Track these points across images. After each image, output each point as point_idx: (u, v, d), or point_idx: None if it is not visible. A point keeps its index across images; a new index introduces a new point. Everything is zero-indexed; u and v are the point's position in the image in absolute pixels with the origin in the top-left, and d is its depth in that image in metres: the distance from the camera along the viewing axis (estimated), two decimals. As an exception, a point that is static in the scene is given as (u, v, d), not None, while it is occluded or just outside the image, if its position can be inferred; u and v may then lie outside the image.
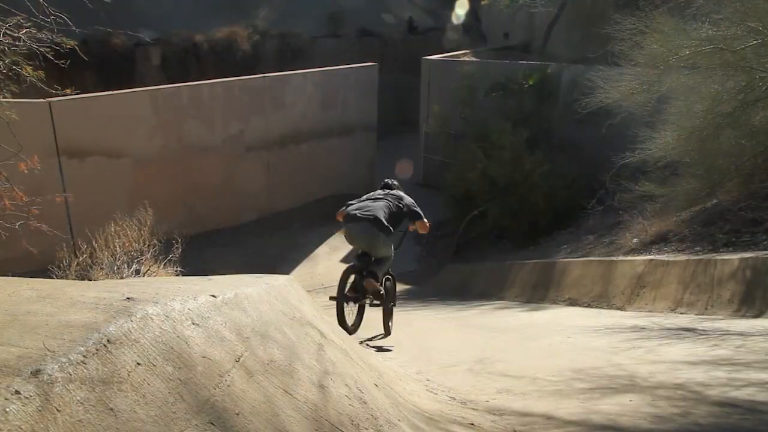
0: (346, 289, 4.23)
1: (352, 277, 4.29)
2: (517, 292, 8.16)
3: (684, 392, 3.02)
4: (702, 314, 5.02)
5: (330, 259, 12.11)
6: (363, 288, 4.30)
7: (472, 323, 6.33)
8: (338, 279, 4.25)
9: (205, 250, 11.26)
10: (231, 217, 12.55)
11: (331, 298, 4.46)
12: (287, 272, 10.89)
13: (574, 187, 10.84)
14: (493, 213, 11.14)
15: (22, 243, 3.67)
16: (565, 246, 8.77)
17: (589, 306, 6.52)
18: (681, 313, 5.23)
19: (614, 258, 6.70)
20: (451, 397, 3.27)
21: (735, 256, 5.05)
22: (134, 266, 4.10)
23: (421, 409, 2.90)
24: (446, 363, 4.25)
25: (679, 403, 2.87)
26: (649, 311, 5.59)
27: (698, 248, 5.80)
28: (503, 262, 9.72)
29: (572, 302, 6.83)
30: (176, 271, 4.74)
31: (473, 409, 3.05)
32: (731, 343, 3.89)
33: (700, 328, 4.51)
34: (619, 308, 6.04)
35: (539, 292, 7.61)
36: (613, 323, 5.24)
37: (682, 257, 5.71)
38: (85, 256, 4.09)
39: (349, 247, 10.35)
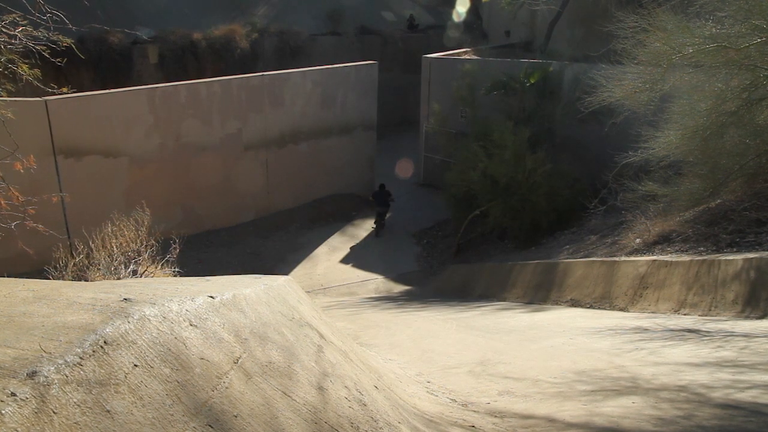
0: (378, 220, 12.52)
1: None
2: (518, 293, 8.14)
3: (687, 394, 2.99)
4: (706, 315, 5.00)
5: (329, 259, 12.08)
6: (383, 220, 12.59)
7: (474, 324, 6.30)
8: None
9: (203, 250, 11.24)
10: (229, 217, 12.53)
11: (374, 225, 13.02)
12: (286, 273, 10.87)
13: (577, 186, 10.82)
14: (495, 213, 11.12)
15: (18, 243, 3.64)
16: (567, 246, 8.75)
17: (591, 307, 6.49)
18: (684, 314, 5.20)
19: (617, 258, 6.67)
20: (451, 399, 3.24)
21: (739, 257, 5.02)
22: (131, 267, 4.07)
23: (421, 411, 2.87)
24: (447, 365, 4.22)
25: (683, 405, 2.84)
26: (652, 312, 5.56)
27: (702, 248, 5.77)
28: (504, 263, 9.69)
29: (574, 303, 6.81)
30: (174, 271, 4.70)
31: (474, 411, 3.02)
32: (735, 345, 3.86)
33: (704, 329, 4.48)
34: (621, 309, 6.02)
35: (541, 293, 7.58)
36: (616, 324, 5.21)
37: (685, 258, 5.68)
38: (81, 256, 4.05)
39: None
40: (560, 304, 7.03)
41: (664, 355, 3.86)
